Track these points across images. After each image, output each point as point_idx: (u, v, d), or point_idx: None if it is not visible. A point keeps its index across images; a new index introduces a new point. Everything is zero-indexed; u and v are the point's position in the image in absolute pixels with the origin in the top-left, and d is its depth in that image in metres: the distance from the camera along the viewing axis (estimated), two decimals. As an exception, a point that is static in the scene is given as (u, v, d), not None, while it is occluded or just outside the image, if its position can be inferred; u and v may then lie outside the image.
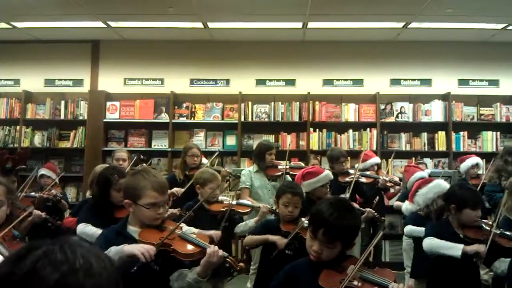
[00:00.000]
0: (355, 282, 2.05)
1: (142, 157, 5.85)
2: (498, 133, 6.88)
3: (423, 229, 3.54)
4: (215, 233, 3.34)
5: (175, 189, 4.48)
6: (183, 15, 6.18)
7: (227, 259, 2.27)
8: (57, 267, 0.83)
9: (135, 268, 2.07)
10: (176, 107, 7.04)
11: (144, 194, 2.24)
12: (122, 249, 2.10)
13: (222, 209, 3.66)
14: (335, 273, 2.08)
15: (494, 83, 7.23)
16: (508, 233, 3.24)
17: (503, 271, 2.98)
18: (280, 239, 3.12)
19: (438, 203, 3.77)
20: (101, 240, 2.33)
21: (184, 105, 7.05)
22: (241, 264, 2.37)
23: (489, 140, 6.87)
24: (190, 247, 2.29)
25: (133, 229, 2.31)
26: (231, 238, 3.90)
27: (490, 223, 3.21)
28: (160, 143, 7.03)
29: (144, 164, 5.22)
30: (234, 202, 3.77)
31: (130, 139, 7.08)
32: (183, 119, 7.02)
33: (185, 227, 3.14)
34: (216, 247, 2.23)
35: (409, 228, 3.91)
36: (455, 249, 2.93)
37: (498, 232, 3.11)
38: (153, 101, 7.06)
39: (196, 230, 3.44)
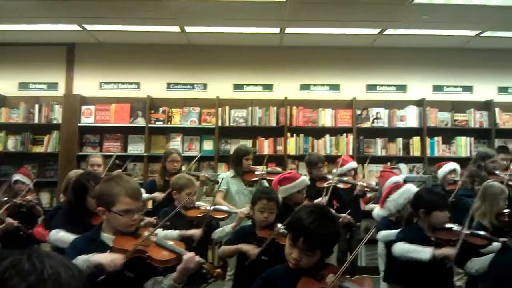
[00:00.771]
0: None
1: (117, 162, 5.77)
2: (472, 138, 7.01)
3: (395, 231, 3.58)
4: (195, 232, 3.33)
5: (156, 194, 4.43)
6: (160, 19, 6.13)
7: (204, 266, 2.26)
8: (24, 277, 0.82)
9: (102, 277, 2.04)
10: (152, 112, 6.98)
11: (117, 200, 2.21)
12: (89, 258, 2.06)
13: (199, 215, 3.63)
14: (314, 281, 2.07)
15: (468, 89, 7.38)
16: (479, 232, 3.31)
17: (477, 271, 3.02)
18: (252, 249, 3.10)
19: (409, 208, 3.81)
20: (71, 249, 2.29)
21: (161, 109, 7.00)
22: (218, 270, 2.37)
23: (463, 146, 6.99)
24: (165, 253, 2.26)
25: (107, 236, 2.27)
26: (208, 244, 3.86)
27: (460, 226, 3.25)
28: (136, 148, 6.96)
29: (120, 170, 5.15)
30: (211, 208, 3.74)
31: (106, 144, 6.99)
32: (159, 124, 6.96)
33: (162, 233, 3.11)
34: (193, 254, 2.21)
35: (383, 233, 3.94)
36: (424, 252, 2.96)
37: (469, 232, 3.16)
38: (129, 105, 6.99)
39: (176, 233, 3.41)
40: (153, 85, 7.20)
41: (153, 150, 6.91)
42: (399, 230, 3.48)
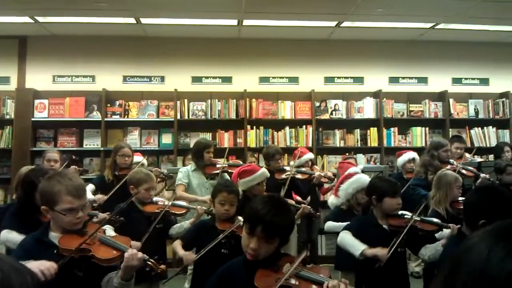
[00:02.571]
0: (292, 281, 2.04)
1: (74, 157, 5.63)
2: (427, 128, 7.19)
3: (342, 224, 3.65)
4: (135, 245, 3.25)
5: (97, 197, 4.25)
6: (115, 10, 5.99)
7: (148, 262, 2.23)
8: None
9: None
10: (108, 105, 6.82)
11: (59, 199, 2.14)
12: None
13: (156, 210, 3.57)
14: (271, 272, 2.06)
15: (423, 80, 7.55)
16: (429, 218, 3.40)
17: (429, 257, 3.10)
18: (189, 255, 3.09)
19: (359, 198, 3.89)
20: (19, 249, 2.21)
21: (117, 102, 6.85)
22: (162, 266, 2.33)
23: (418, 136, 7.16)
24: (109, 251, 2.21)
25: (54, 235, 2.21)
26: (165, 240, 3.80)
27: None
28: (92, 143, 6.79)
29: (75, 167, 5.00)
30: (169, 203, 3.69)
31: (60, 139, 6.78)
32: (116, 117, 6.81)
33: (111, 232, 3.03)
34: (134, 251, 2.16)
35: (329, 224, 3.99)
36: (356, 249, 3.01)
37: (418, 218, 3.24)
38: (84, 99, 6.79)
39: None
40: (109, 78, 7.02)
41: (110, 144, 6.73)
42: (346, 223, 3.53)
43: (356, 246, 3.03)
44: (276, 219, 2.01)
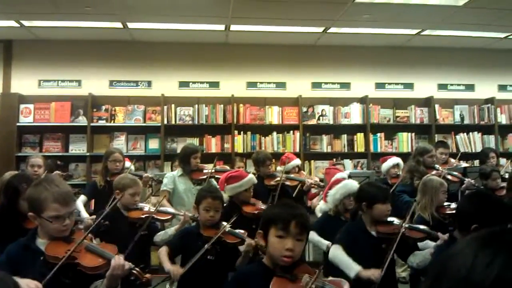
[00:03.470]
0: None
1: (58, 162, 5.57)
2: (413, 134, 7.24)
3: (324, 242, 3.68)
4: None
5: (85, 220, 4.03)
6: (101, 15, 5.95)
7: (133, 271, 2.21)
8: None
9: None
10: (94, 110, 6.76)
11: (46, 206, 2.12)
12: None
13: (141, 216, 3.54)
14: (287, 282, 2.04)
15: (409, 86, 7.60)
16: (418, 226, 3.41)
17: (418, 264, 3.11)
18: (176, 270, 2.97)
19: (346, 203, 3.88)
20: (5, 256, 2.17)
21: (104, 107, 6.80)
22: (147, 275, 2.31)
23: (405, 141, 7.21)
24: (95, 259, 2.19)
25: (41, 242, 2.19)
26: (149, 247, 3.76)
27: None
28: (78, 148, 6.72)
29: (59, 172, 4.96)
30: (155, 209, 3.65)
31: (46, 144, 6.71)
32: (102, 122, 6.76)
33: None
34: (121, 259, 2.15)
35: (312, 236, 3.94)
36: (351, 269, 2.95)
37: (407, 225, 3.25)
38: (70, 104, 6.73)
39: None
40: (95, 83, 6.97)
41: (96, 149, 6.70)
42: (328, 243, 3.54)
43: (349, 267, 2.97)
44: (304, 211, 2.13)
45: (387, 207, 3.22)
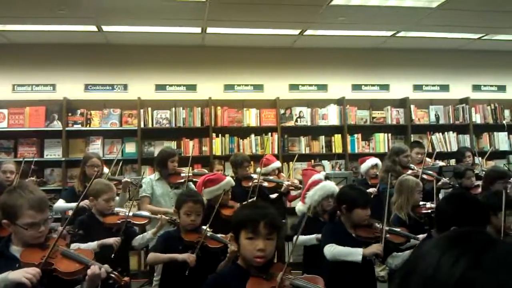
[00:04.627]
0: None
1: (32, 167, 5.47)
2: (389, 134, 7.32)
3: (311, 236, 3.67)
4: (114, 240, 3.22)
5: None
6: (76, 18, 5.87)
7: (111, 275, 2.20)
8: None
9: None
10: (69, 114, 6.67)
11: (21, 213, 2.09)
12: (7, 277, 1.96)
13: (117, 221, 3.50)
14: (263, 281, 2.06)
15: (385, 87, 7.68)
16: (397, 229, 3.44)
17: (397, 266, 3.14)
18: (189, 257, 3.00)
19: (324, 205, 3.90)
20: None
21: (79, 111, 6.70)
22: (126, 279, 2.32)
23: (381, 142, 7.28)
24: (72, 264, 2.17)
25: (16, 249, 2.15)
26: (127, 252, 3.72)
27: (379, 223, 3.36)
28: (53, 153, 6.61)
29: (33, 178, 4.87)
30: (131, 213, 3.61)
31: (20, 149, 6.58)
32: (77, 127, 6.66)
33: (82, 246, 2.98)
34: (98, 266, 2.14)
35: (300, 239, 3.95)
36: (356, 254, 3.02)
37: (387, 229, 3.27)
38: (45, 108, 6.62)
39: (93, 244, 3.23)
40: (70, 87, 6.86)
41: (71, 154, 6.60)
42: (315, 236, 3.54)
43: (353, 253, 3.03)
44: (273, 211, 2.15)
45: (367, 212, 3.25)
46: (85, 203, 3.80)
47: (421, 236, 3.27)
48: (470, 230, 0.78)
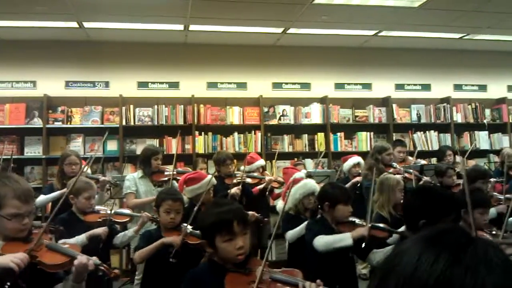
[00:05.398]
0: (267, 284, 2.04)
1: (12, 165, 5.38)
2: (372, 133, 7.37)
3: (301, 226, 3.67)
4: (102, 230, 3.19)
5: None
6: (56, 14, 5.80)
7: (100, 267, 2.16)
8: None
9: (8, 284, 1.86)
10: (50, 111, 6.58)
11: (5, 203, 2.00)
12: None
13: (98, 220, 3.46)
14: (241, 276, 2.06)
15: (367, 86, 7.73)
16: (379, 224, 3.45)
17: (378, 262, 3.15)
18: (174, 238, 3.03)
19: (305, 203, 3.91)
20: None
21: (60, 109, 6.62)
22: (116, 271, 2.29)
23: (364, 140, 7.33)
24: (57, 257, 2.12)
25: None
26: (109, 250, 3.68)
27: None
28: (34, 150, 6.51)
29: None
30: (112, 211, 3.58)
31: (0, 146, 6.46)
32: (58, 124, 6.58)
33: (70, 240, 2.95)
34: (84, 258, 2.08)
35: (290, 235, 3.96)
36: (345, 240, 3.03)
37: (369, 225, 3.29)
38: (25, 105, 6.53)
39: (82, 236, 3.20)
40: (51, 84, 6.77)
41: (52, 152, 6.51)
42: (305, 224, 3.55)
43: (343, 238, 3.04)
44: (237, 204, 2.20)
45: (349, 208, 3.28)
46: None
47: (402, 229, 3.28)
48: (448, 228, 0.79)
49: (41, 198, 4.52)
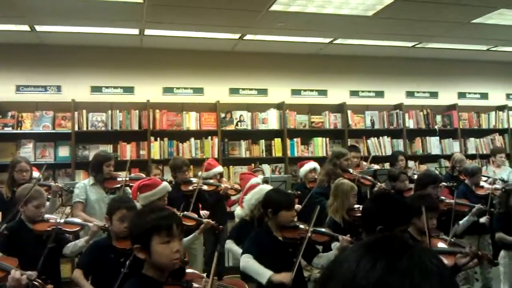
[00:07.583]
0: None
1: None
2: (327, 139, 7.47)
3: (237, 249, 3.70)
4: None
5: None
6: (7, 17, 5.60)
7: (34, 282, 2.11)
8: None
9: None
10: (0, 116, 6.35)
11: None
12: None
13: (48, 229, 3.34)
14: None
15: (323, 93, 7.84)
16: (321, 229, 3.49)
17: (323, 266, 3.18)
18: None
19: (261, 208, 3.92)
20: None
21: (10, 114, 6.39)
22: (49, 286, 2.24)
23: (320, 146, 7.42)
24: None
25: None
26: (59, 260, 3.56)
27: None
28: (-18, 157, 6.26)
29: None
30: (62, 220, 3.46)
31: None
32: (8, 129, 6.35)
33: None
34: (19, 272, 2.04)
35: (229, 245, 3.95)
36: (263, 276, 2.97)
37: (312, 229, 3.32)
38: (-27, 110, 6.28)
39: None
40: (1, 88, 6.51)
41: (1, 158, 6.25)
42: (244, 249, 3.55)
43: (261, 274, 2.99)
44: (171, 211, 2.24)
45: (292, 213, 3.29)
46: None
47: (342, 237, 3.32)
48: (387, 236, 0.81)
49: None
